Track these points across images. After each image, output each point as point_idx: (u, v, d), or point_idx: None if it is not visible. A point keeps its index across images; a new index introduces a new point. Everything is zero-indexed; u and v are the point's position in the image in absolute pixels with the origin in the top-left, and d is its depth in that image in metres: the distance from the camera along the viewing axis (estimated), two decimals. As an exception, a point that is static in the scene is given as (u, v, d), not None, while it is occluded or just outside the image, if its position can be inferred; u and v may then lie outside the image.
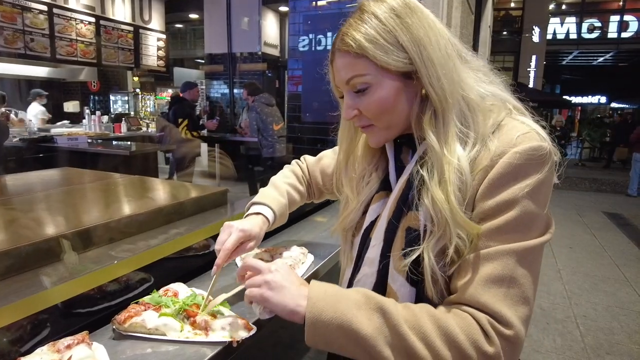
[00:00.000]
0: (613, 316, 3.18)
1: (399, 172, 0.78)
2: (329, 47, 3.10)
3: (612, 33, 14.27)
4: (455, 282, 0.66)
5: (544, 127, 0.69)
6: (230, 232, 0.90)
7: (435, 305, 0.67)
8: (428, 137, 0.68)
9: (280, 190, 1.06)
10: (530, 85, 13.43)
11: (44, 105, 5.94)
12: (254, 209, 1.01)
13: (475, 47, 5.00)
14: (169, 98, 6.67)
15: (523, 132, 0.65)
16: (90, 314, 0.91)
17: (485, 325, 0.60)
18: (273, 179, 1.11)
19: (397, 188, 0.76)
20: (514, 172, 0.63)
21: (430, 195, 0.67)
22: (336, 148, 1.10)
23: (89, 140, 4.70)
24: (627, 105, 19.44)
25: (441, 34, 0.70)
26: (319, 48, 2.99)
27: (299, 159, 1.20)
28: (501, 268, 0.62)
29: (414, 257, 0.68)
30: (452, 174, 0.66)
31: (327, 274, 1.21)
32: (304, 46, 3.03)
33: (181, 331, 0.81)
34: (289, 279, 0.72)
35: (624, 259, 4.40)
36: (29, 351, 0.74)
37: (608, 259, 4.42)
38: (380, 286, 0.75)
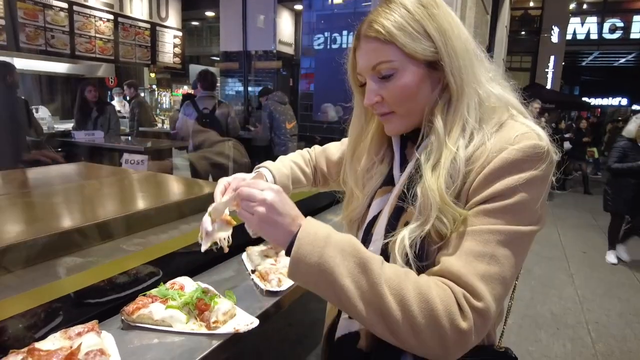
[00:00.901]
0: (626, 323, 3.13)
1: (403, 166, 0.80)
2: (343, 46, 3.10)
3: (635, 33, 13.90)
4: (439, 255, 0.68)
5: (545, 129, 0.70)
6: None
7: None
8: (436, 122, 0.71)
9: (283, 162, 1.06)
10: (548, 86, 13.20)
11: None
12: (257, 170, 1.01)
13: (491, 47, 4.95)
14: (183, 94, 6.77)
15: (522, 132, 0.67)
16: (100, 304, 0.95)
17: (461, 299, 0.61)
18: (280, 157, 1.11)
19: (399, 184, 0.77)
20: (509, 166, 0.65)
21: (421, 178, 0.70)
22: (344, 140, 1.11)
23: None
24: (649, 108, 18.97)
25: (461, 29, 0.73)
26: (333, 47, 3.00)
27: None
28: (483, 245, 0.63)
29: (396, 237, 0.70)
30: (448, 161, 0.68)
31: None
32: (319, 44, 3.04)
33: (186, 323, 0.84)
34: (282, 211, 0.68)
35: (639, 265, 4.31)
36: (43, 337, 0.78)
37: (623, 264, 4.34)
38: None
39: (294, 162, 1.09)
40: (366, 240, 0.81)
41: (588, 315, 3.22)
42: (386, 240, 0.74)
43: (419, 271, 0.68)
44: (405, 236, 0.68)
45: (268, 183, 0.74)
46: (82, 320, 0.82)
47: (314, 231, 0.67)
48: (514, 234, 0.64)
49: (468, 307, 0.60)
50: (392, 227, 0.75)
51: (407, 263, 0.68)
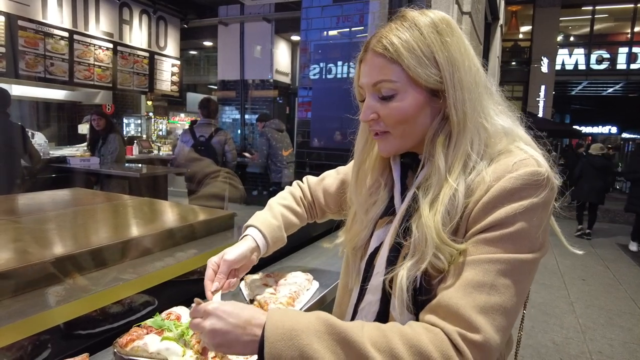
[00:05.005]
0: (630, 353, 3.06)
1: (404, 195, 0.78)
2: (339, 76, 3.17)
3: (621, 64, 14.32)
4: (438, 288, 0.66)
5: (550, 159, 0.69)
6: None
7: None
8: (437, 157, 0.69)
9: (273, 212, 1.03)
10: (540, 114, 13.44)
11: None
12: (245, 232, 0.98)
13: (484, 77, 5.05)
14: (190, 121, 6.80)
15: (520, 158, 0.66)
16: (91, 335, 0.90)
17: (456, 338, 0.58)
18: (270, 201, 1.09)
19: (399, 215, 0.76)
20: (509, 194, 0.63)
21: (419, 213, 0.68)
22: (339, 168, 1.11)
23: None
24: (639, 136, 19.32)
25: (473, 61, 0.71)
26: (329, 76, 3.05)
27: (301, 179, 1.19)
28: (483, 274, 0.61)
29: (392, 274, 0.69)
30: (447, 197, 0.66)
31: (333, 301, 1.19)
32: (315, 74, 3.09)
33: (183, 356, 0.80)
34: (227, 328, 0.64)
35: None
36: (28, 373, 0.73)
37: (623, 293, 4.29)
38: (383, 315, 0.74)
39: (284, 205, 1.06)
40: (369, 273, 0.79)
41: (591, 345, 3.15)
42: (387, 275, 0.72)
43: (422, 305, 0.66)
44: (403, 276, 0.66)
45: (204, 305, 0.67)
46: (72, 353, 0.78)
47: (281, 325, 0.61)
48: (514, 263, 0.62)
49: (464, 344, 0.58)
50: (392, 261, 0.73)
51: (410, 299, 0.67)
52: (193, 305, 0.70)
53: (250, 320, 0.64)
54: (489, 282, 0.60)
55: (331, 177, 1.10)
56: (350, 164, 0.90)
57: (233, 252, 0.88)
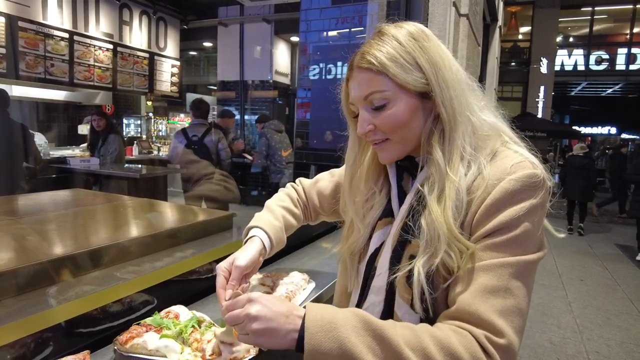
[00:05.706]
0: (627, 353, 3.08)
1: (401, 198, 0.80)
2: (338, 76, 3.18)
3: (620, 65, 14.33)
4: (452, 294, 0.68)
5: (540, 158, 0.72)
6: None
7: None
8: (435, 153, 0.72)
9: (275, 214, 1.03)
10: (539, 115, 13.46)
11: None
12: (251, 234, 0.97)
13: (483, 78, 5.07)
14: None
15: (517, 161, 0.69)
16: (92, 334, 0.92)
17: (484, 341, 0.61)
18: (268, 202, 1.09)
19: (400, 216, 0.77)
20: (510, 197, 0.66)
21: (427, 210, 0.70)
22: (332, 171, 1.12)
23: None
24: (638, 137, 19.33)
25: (452, 61, 0.75)
26: (328, 77, 3.06)
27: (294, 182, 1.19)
28: (497, 279, 0.64)
29: (404, 271, 0.71)
30: (452, 192, 0.69)
31: (329, 300, 1.21)
32: (314, 75, 3.11)
33: (181, 353, 0.82)
34: (271, 316, 0.65)
35: (638, 294, 4.29)
36: (31, 370, 0.75)
37: (621, 293, 4.31)
38: (388, 314, 0.76)
39: (283, 207, 1.06)
40: (369, 274, 0.80)
41: (588, 345, 3.17)
42: (394, 275, 0.73)
43: (431, 304, 0.68)
44: (420, 272, 0.68)
45: (245, 295, 0.69)
46: (74, 351, 0.80)
47: (320, 317, 0.64)
48: (523, 264, 0.65)
49: (492, 348, 0.60)
50: (396, 260, 0.75)
51: (421, 297, 0.68)
52: (226, 301, 0.71)
53: (292, 311, 0.66)
54: (503, 286, 0.63)
55: (325, 180, 1.12)
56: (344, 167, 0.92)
57: (244, 258, 0.86)
